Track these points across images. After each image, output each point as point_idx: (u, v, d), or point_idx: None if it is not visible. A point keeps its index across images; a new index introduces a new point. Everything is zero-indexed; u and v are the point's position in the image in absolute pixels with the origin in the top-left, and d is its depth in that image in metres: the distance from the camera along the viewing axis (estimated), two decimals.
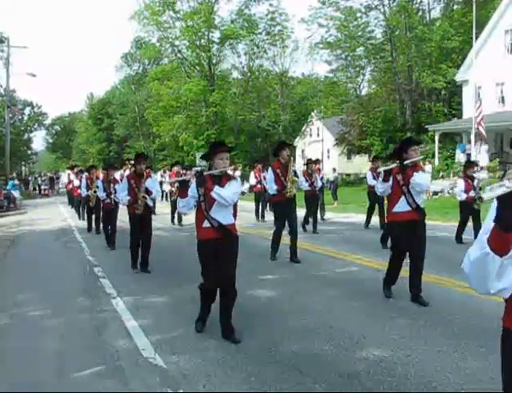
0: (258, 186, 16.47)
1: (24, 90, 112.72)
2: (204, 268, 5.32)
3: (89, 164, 56.22)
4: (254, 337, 5.34)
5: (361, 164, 40.11)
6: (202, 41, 41.46)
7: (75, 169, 21.67)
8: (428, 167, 22.01)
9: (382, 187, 6.58)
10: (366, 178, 14.79)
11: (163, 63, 50.26)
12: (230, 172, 5.39)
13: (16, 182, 34.50)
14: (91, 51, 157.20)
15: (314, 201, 13.71)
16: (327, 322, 5.74)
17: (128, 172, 20.04)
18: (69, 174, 23.35)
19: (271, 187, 9.29)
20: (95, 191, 13.67)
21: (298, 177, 9.38)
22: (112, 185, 11.93)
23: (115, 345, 5.24)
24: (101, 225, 13.92)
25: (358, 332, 5.35)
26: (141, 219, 8.79)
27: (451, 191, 20.88)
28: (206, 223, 5.21)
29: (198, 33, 40.76)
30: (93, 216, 14.54)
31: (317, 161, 14.61)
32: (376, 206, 13.33)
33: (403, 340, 5.10)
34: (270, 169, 9.53)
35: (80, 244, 12.65)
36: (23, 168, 67.23)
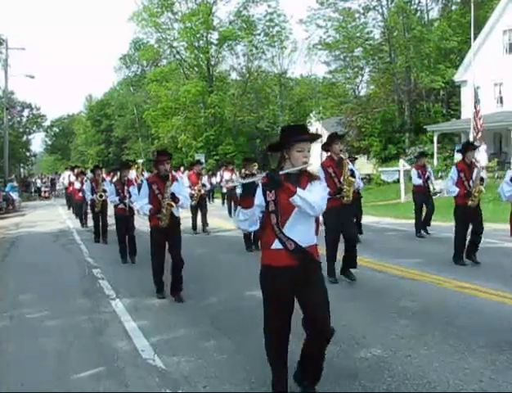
0: None
1: (23, 92, 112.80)
2: (268, 308, 3.87)
3: (88, 165, 56.28)
4: (255, 338, 5.33)
5: (360, 165, 40.14)
6: (200, 42, 41.46)
7: (76, 170, 19.68)
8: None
9: (510, 191, 5.31)
10: (410, 177, 13.27)
11: (162, 64, 50.20)
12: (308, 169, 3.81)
13: (15, 184, 34.43)
14: (89, 52, 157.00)
15: (357, 204, 11.57)
16: None
17: (133, 173, 19.75)
18: (69, 176, 21.78)
19: None
20: (101, 196, 12.57)
21: (355, 176, 7.83)
22: (126, 188, 10.27)
23: (115, 346, 5.24)
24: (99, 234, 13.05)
25: (358, 332, 5.35)
26: (167, 233, 7.02)
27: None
28: (277, 244, 3.69)
29: (196, 35, 40.75)
30: (97, 223, 13.23)
31: (354, 158, 13.01)
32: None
33: (403, 340, 5.10)
34: (320, 167, 7.71)
35: (79, 246, 12.64)
36: (21, 170, 67.20)
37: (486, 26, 28.02)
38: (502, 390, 3.98)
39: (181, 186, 7.41)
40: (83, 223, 16.65)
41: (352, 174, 7.69)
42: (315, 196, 3.62)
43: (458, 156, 26.68)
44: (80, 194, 16.11)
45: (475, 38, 25.98)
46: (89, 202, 13.83)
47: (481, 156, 23.47)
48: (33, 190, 43.28)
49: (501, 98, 27.64)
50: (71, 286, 8.13)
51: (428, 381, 4.14)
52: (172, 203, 6.89)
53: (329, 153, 7.75)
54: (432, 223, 12.49)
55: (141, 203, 7.11)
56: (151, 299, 7.11)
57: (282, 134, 3.78)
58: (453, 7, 36.75)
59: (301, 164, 3.66)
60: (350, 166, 7.81)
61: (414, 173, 12.46)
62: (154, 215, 7.01)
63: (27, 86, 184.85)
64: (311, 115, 46.73)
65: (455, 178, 8.58)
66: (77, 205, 17.90)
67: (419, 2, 35.88)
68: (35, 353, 5.19)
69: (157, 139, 47.37)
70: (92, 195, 12.88)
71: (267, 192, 3.65)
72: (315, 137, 3.88)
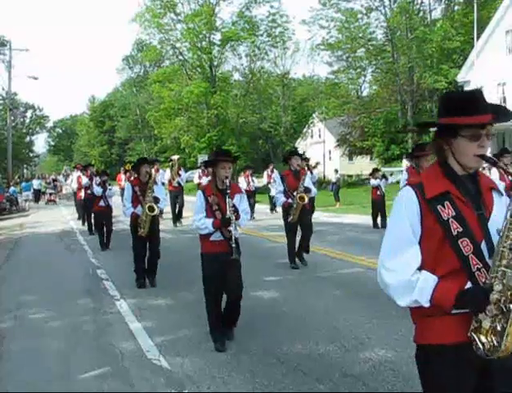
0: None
1: (26, 93, 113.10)
2: None
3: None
4: (258, 338, 5.34)
5: (362, 166, 40.14)
6: (203, 43, 41.48)
7: (89, 170, 14.42)
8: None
9: None
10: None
11: (165, 65, 50.34)
12: None
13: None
14: (92, 53, 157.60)
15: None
16: (331, 323, 5.74)
17: (167, 173, 16.42)
18: (78, 178, 16.79)
19: None
20: (151, 208, 7.64)
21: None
22: (230, 200, 5.06)
23: (119, 346, 5.25)
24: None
25: (362, 333, 5.35)
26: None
27: None
28: None
29: (199, 36, 40.78)
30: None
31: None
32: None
33: (407, 340, 5.09)
34: None
35: (83, 246, 12.65)
36: (25, 170, 67.39)
37: (489, 26, 28.00)
38: None
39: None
40: (105, 244, 12.03)
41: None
42: None
43: None
44: (101, 203, 12.13)
45: (478, 38, 25.97)
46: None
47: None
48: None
49: (504, 98, 27.58)
50: (75, 287, 8.15)
51: None
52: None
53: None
54: None
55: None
56: (155, 299, 7.13)
57: None
58: (456, 7, 36.74)
59: None
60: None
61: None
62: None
63: (30, 87, 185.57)
64: (313, 115, 46.79)
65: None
66: (97, 217, 12.93)
67: (422, 2, 35.94)
68: (39, 353, 5.21)
69: (160, 140, 47.52)
70: (135, 207, 7.91)
71: None
72: None
